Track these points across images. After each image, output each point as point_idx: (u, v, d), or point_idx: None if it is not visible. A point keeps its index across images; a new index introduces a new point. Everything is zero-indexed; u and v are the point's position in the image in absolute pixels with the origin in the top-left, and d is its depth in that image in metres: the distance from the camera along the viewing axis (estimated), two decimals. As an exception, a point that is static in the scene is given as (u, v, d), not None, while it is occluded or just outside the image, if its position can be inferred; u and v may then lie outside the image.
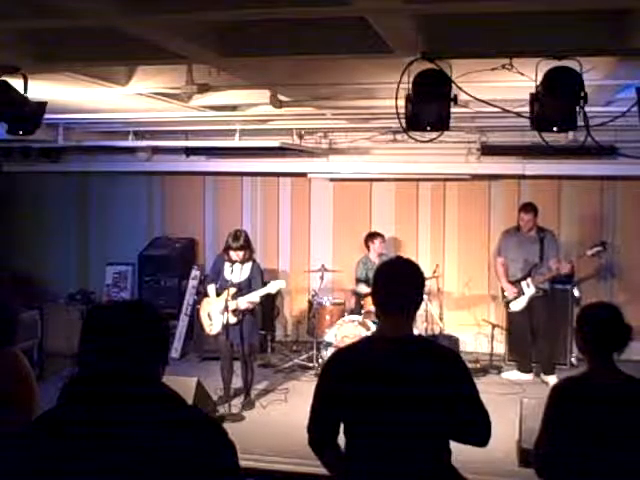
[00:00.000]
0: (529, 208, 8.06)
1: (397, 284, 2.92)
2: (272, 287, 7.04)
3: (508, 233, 8.34)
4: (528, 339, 8.13)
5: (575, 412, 3.03)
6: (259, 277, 7.04)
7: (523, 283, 8.01)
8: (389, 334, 2.91)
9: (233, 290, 6.85)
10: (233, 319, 6.84)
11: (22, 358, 3.45)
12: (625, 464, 2.96)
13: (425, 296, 8.53)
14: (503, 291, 8.24)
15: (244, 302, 6.87)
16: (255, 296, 6.92)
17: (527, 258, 8.02)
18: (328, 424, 2.93)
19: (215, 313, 7.01)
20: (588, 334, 3.15)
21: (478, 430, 2.89)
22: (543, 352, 8.00)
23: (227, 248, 6.96)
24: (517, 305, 8.07)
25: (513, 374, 8.20)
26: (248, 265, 7.00)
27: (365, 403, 2.82)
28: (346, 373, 2.89)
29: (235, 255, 6.89)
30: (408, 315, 2.95)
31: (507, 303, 8.19)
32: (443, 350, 3.09)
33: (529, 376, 8.08)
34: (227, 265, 7.00)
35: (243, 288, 6.93)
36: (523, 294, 8.01)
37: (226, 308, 6.78)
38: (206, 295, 7.29)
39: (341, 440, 2.96)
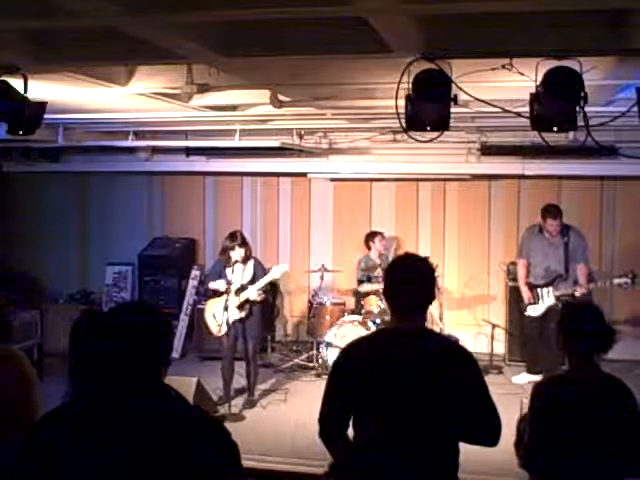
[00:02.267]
0: (556, 213, 7.71)
1: (412, 285, 2.93)
2: (276, 272, 7.02)
3: (531, 233, 8.04)
4: (539, 344, 7.95)
5: (555, 408, 3.08)
6: (262, 272, 7.09)
7: (544, 290, 7.78)
8: (403, 328, 2.93)
9: (236, 287, 6.89)
10: (241, 314, 6.87)
11: (22, 358, 3.43)
12: (603, 458, 3.02)
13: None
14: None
15: (254, 292, 6.90)
16: (261, 283, 6.94)
17: (549, 265, 7.77)
18: (339, 415, 2.95)
19: (220, 313, 6.99)
20: (568, 335, 3.19)
21: (488, 428, 2.90)
22: (554, 359, 7.73)
23: (226, 249, 6.97)
24: (534, 311, 7.85)
25: (523, 377, 8.04)
26: (250, 264, 7.04)
27: (377, 395, 2.84)
28: (359, 365, 2.91)
29: (237, 254, 6.91)
30: (422, 312, 2.99)
31: (525, 306, 7.96)
32: (456, 347, 3.12)
33: (539, 377, 7.93)
34: (228, 269, 7.01)
35: (262, 281, 7.00)
36: (541, 301, 7.80)
37: (226, 308, 6.79)
38: (214, 295, 7.19)
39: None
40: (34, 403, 3.22)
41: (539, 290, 7.86)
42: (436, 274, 8.61)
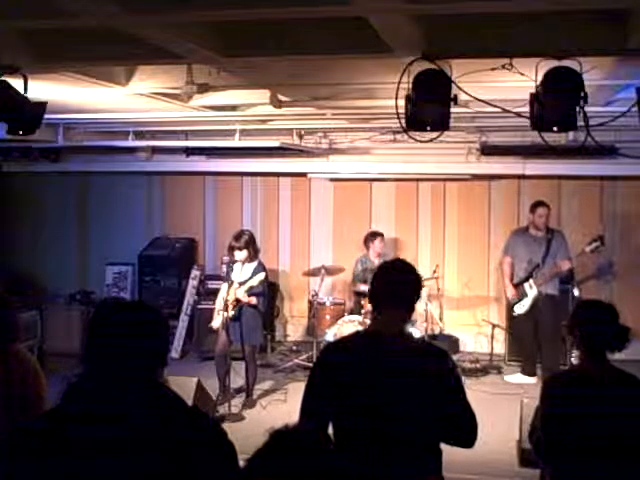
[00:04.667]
0: (546, 205, 7.99)
1: (392, 280, 3.01)
2: (254, 280, 6.97)
3: (517, 232, 8.26)
4: (533, 342, 8.00)
5: (567, 403, 3.09)
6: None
7: (526, 285, 7.90)
8: (379, 329, 2.96)
9: (235, 287, 6.91)
10: (232, 312, 6.87)
11: (29, 355, 3.47)
12: (617, 453, 3.02)
13: (425, 296, 8.61)
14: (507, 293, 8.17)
15: (240, 292, 6.91)
16: (244, 288, 6.93)
17: (532, 259, 7.92)
18: (317, 418, 2.94)
19: (217, 309, 7.05)
20: (582, 333, 3.19)
21: (461, 428, 2.90)
22: (551, 356, 7.79)
23: (230, 247, 7.01)
24: (521, 308, 7.96)
25: (516, 377, 8.09)
26: (251, 265, 7.04)
27: (350, 396, 2.85)
28: (334, 367, 2.92)
29: (237, 255, 6.93)
30: (400, 311, 2.99)
31: (512, 306, 8.07)
32: (431, 347, 3.14)
33: (533, 379, 7.89)
34: (236, 265, 7.05)
35: (246, 284, 6.96)
36: (526, 296, 7.91)
37: (226, 307, 6.80)
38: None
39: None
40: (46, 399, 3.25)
41: (523, 286, 7.93)
42: (436, 274, 8.76)
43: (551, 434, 3.11)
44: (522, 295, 7.96)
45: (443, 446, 2.94)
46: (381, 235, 8.70)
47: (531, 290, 7.90)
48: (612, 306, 3.27)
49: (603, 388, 3.09)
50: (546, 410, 3.17)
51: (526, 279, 7.93)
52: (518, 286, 7.99)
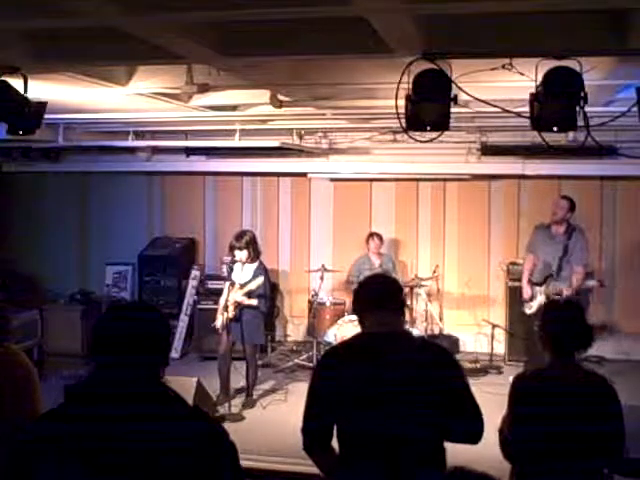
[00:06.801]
0: (566, 197, 7.77)
1: (379, 283, 3.18)
2: (253, 284, 6.97)
3: (539, 229, 7.94)
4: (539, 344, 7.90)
5: (533, 402, 3.13)
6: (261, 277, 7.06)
7: (538, 289, 7.71)
8: (378, 329, 2.95)
9: (236, 287, 6.92)
10: (233, 313, 6.88)
11: (20, 353, 3.46)
12: (581, 451, 3.03)
13: (425, 296, 8.62)
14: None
15: (239, 295, 6.92)
16: (243, 291, 6.94)
17: (548, 261, 7.68)
18: (322, 424, 2.93)
19: (220, 309, 7.07)
20: (549, 333, 3.22)
21: (468, 422, 2.90)
22: None
23: (231, 247, 7.00)
24: (529, 309, 7.79)
25: None
26: (252, 266, 7.04)
27: (357, 399, 2.84)
28: (339, 372, 2.91)
29: (238, 255, 6.92)
30: (392, 309, 3.00)
31: (523, 305, 7.90)
32: (436, 347, 3.14)
33: None
34: (236, 265, 7.05)
35: (245, 288, 6.97)
36: (535, 300, 7.72)
37: (226, 307, 6.81)
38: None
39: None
40: (39, 399, 3.24)
41: (535, 288, 7.85)
42: (436, 274, 8.73)
43: (519, 434, 3.12)
44: (533, 296, 7.78)
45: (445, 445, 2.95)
46: (377, 235, 8.70)
47: (540, 296, 7.69)
48: (579, 306, 3.30)
49: (570, 387, 3.10)
50: (514, 410, 3.18)
51: (539, 284, 7.72)
52: (532, 286, 7.77)
